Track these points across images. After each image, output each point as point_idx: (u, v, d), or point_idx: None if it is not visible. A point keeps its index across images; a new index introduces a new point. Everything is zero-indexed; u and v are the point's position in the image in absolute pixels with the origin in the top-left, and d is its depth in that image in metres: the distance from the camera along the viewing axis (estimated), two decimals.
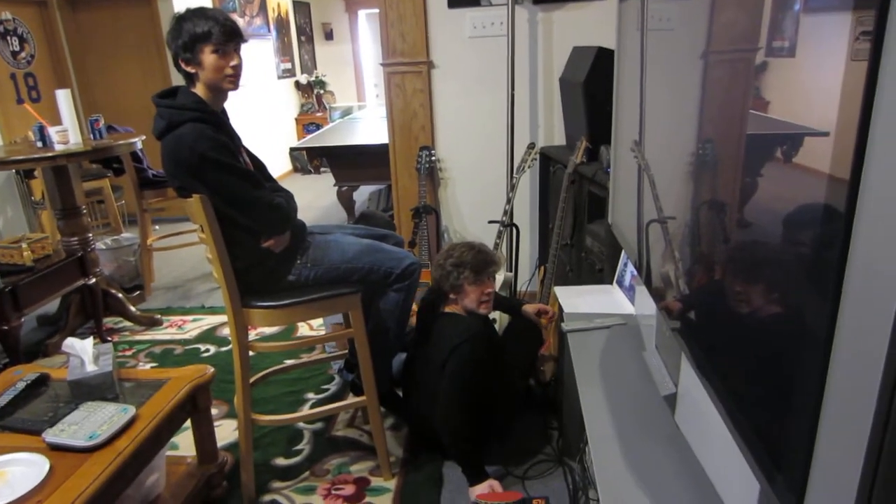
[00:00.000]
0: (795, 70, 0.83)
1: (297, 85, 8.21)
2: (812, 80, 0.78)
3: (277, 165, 7.40)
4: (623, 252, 2.12)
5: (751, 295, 0.94)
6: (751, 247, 0.96)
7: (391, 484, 2.01)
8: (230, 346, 2.99)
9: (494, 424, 2.11)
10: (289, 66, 7.88)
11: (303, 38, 8.39)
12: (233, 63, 1.76)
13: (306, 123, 8.05)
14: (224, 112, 1.87)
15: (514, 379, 2.20)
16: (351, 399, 2.14)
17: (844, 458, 0.63)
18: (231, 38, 1.75)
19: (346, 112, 7.68)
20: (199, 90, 1.78)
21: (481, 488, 1.87)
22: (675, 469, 1.23)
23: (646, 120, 1.54)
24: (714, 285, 1.10)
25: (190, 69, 1.75)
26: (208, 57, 1.73)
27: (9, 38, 4.70)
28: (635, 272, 1.98)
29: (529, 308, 2.32)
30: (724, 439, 0.98)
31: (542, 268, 2.87)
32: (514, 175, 2.87)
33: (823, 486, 0.67)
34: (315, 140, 4.94)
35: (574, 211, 2.69)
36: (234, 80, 1.79)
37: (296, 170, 7.88)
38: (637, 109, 1.59)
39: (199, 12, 1.74)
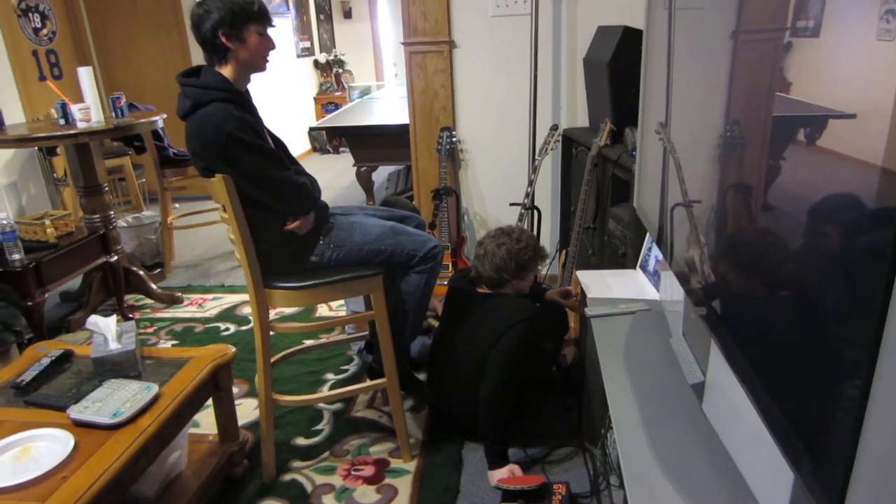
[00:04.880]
0: (826, 50, 0.80)
1: (316, 64, 8.17)
2: (844, 61, 0.75)
3: (296, 145, 7.40)
4: (647, 236, 2.08)
5: (785, 281, 0.91)
6: (787, 231, 0.93)
7: (411, 466, 2.02)
8: (250, 325, 3.01)
9: (519, 407, 2.11)
10: (308, 44, 7.84)
11: (322, 17, 8.33)
12: (272, 47, 1.81)
13: (325, 103, 8.02)
14: (248, 92, 1.85)
15: (542, 362, 2.19)
16: (372, 381, 2.14)
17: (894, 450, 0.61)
18: (271, 21, 1.80)
19: (365, 91, 7.64)
20: (228, 69, 1.77)
21: (501, 473, 1.87)
22: (702, 458, 1.21)
23: (672, 101, 1.50)
24: (745, 272, 1.07)
25: (229, 44, 1.74)
26: (253, 37, 1.75)
27: (31, 14, 4.71)
28: (660, 257, 1.95)
29: (553, 293, 2.30)
30: (756, 430, 0.95)
31: (564, 251, 2.84)
32: (537, 157, 2.84)
33: (868, 481, 0.65)
34: (334, 120, 4.91)
35: (597, 194, 2.65)
36: (266, 63, 1.83)
37: (315, 149, 7.87)
38: (664, 90, 1.55)
39: None
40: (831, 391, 0.73)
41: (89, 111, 2.93)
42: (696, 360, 1.43)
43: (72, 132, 2.81)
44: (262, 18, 1.77)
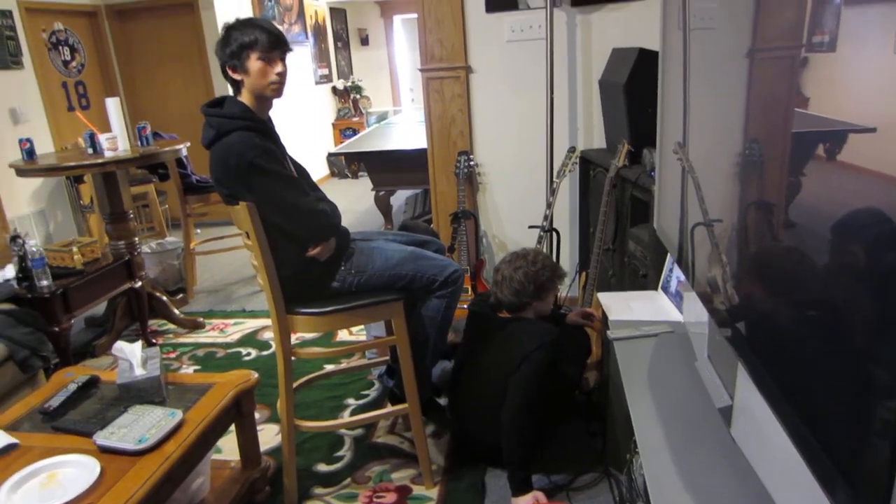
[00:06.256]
0: (843, 65, 0.80)
1: (334, 90, 8.29)
2: (862, 75, 0.75)
3: (315, 170, 7.49)
4: (668, 257, 2.07)
5: (812, 300, 0.90)
6: (811, 248, 0.92)
7: (433, 493, 2.00)
8: (271, 350, 3.02)
9: (542, 432, 2.09)
10: (326, 71, 7.97)
11: (339, 44, 8.47)
12: (277, 70, 1.78)
13: (343, 128, 8.12)
14: (270, 120, 1.88)
15: (564, 387, 2.17)
16: (393, 407, 2.13)
17: None
18: (276, 46, 1.77)
19: (382, 117, 7.73)
20: (245, 98, 1.80)
21: (525, 500, 1.84)
22: (733, 484, 1.19)
23: (690, 121, 1.50)
24: (770, 291, 1.05)
25: (237, 76, 1.78)
26: (254, 64, 1.75)
27: (61, 47, 4.86)
28: (682, 278, 1.93)
29: (574, 316, 2.28)
30: (788, 456, 0.94)
31: (584, 273, 2.83)
32: (555, 179, 2.84)
33: None
34: (352, 145, 4.97)
35: (616, 215, 2.64)
36: (277, 87, 1.81)
37: (333, 174, 7.95)
38: (681, 110, 1.55)
39: (247, 22, 1.77)
40: (866, 415, 0.71)
41: (116, 140, 3.00)
42: (723, 383, 1.41)
43: (99, 161, 2.88)
44: (257, 44, 1.74)
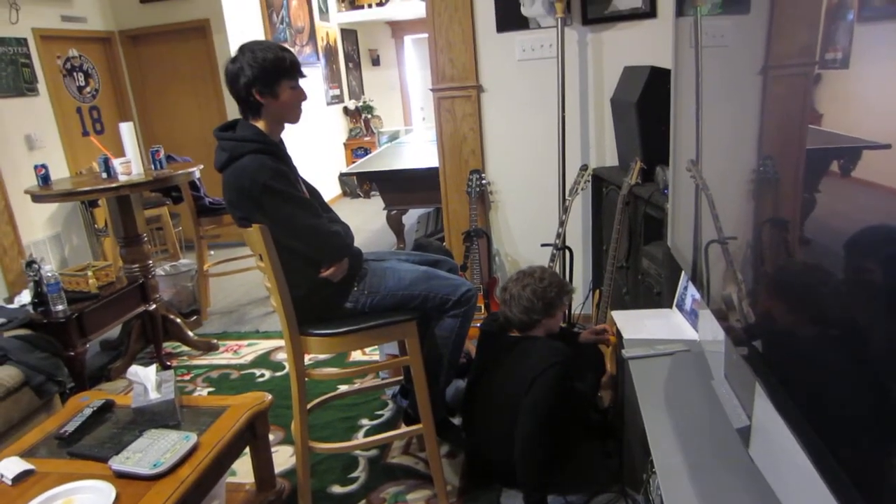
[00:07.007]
0: (856, 81, 0.80)
1: (346, 110, 8.37)
2: (875, 91, 0.75)
3: (327, 190, 7.53)
4: (683, 275, 2.05)
5: (829, 318, 0.89)
6: (826, 265, 0.91)
7: None
8: (285, 371, 3.02)
9: (557, 452, 2.06)
10: (337, 92, 8.05)
11: (350, 65, 8.57)
12: (304, 98, 1.84)
13: (355, 148, 8.18)
14: (282, 142, 1.90)
15: (579, 406, 2.15)
16: (407, 427, 2.12)
17: None
18: (301, 73, 1.83)
19: (394, 136, 7.78)
20: (262, 122, 1.82)
21: None
22: None
23: (703, 138, 1.50)
24: (786, 309, 1.04)
25: (262, 100, 1.78)
26: (286, 91, 1.79)
27: (75, 73, 4.94)
28: (697, 296, 1.92)
29: (587, 334, 2.26)
30: (809, 478, 0.92)
31: (598, 291, 2.81)
32: (567, 197, 2.84)
33: None
34: (364, 165, 5.00)
35: (629, 233, 2.63)
36: (300, 114, 1.86)
37: (345, 194, 8.00)
38: (694, 128, 1.55)
39: (275, 46, 1.80)
40: (889, 436, 0.70)
41: (130, 164, 3.04)
42: (741, 402, 1.39)
43: (114, 185, 2.91)
44: (294, 73, 1.80)
